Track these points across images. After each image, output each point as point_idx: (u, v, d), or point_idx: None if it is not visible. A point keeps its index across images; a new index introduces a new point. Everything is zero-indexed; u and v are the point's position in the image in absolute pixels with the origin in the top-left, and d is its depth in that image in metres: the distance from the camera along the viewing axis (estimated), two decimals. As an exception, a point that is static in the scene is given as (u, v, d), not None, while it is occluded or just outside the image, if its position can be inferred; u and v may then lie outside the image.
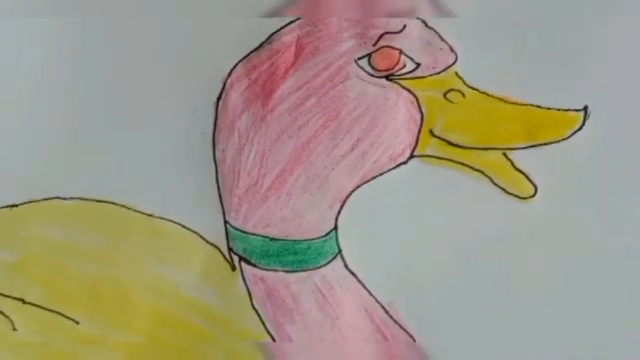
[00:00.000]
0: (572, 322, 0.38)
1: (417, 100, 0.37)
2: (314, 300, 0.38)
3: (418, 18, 0.37)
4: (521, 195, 0.37)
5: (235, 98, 0.38)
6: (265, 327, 0.38)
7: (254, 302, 0.38)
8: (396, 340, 0.38)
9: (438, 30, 0.37)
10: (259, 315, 0.38)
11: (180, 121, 0.38)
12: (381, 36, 0.36)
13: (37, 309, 0.39)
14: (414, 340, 0.38)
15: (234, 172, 0.38)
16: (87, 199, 0.39)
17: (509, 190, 0.37)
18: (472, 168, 0.37)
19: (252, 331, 0.38)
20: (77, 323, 0.39)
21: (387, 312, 0.38)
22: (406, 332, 0.38)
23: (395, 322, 0.38)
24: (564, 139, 0.37)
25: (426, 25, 0.37)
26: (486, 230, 0.38)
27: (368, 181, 0.38)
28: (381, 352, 0.38)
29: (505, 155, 0.37)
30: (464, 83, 0.37)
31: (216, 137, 0.38)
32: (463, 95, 0.37)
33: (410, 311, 0.38)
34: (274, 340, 0.38)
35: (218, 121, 0.38)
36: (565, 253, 0.38)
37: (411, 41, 0.37)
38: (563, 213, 0.37)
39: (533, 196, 0.37)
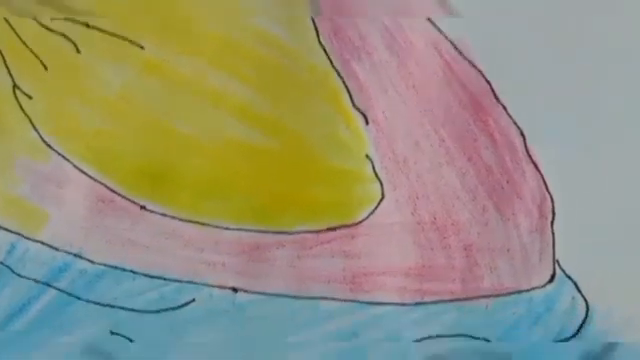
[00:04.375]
0: None
1: None
2: (381, 38, 0.38)
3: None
4: None
5: None
6: (332, 64, 0.38)
7: (321, 38, 0.38)
8: (465, 75, 0.38)
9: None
10: (325, 51, 0.38)
11: None
12: None
13: (101, 33, 0.38)
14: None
15: None
16: None
17: None
18: None
19: (319, 66, 0.38)
20: (142, 48, 0.38)
21: (457, 48, 0.39)
22: (475, 68, 0.38)
23: (464, 58, 0.38)
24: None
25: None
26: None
27: None
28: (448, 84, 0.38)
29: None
30: None
31: None
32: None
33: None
34: (340, 76, 0.38)
35: None
36: None
37: None
38: None
39: None
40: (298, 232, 0.38)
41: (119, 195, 0.38)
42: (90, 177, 0.38)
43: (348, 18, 0.38)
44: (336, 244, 0.38)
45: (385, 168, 0.38)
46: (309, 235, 0.38)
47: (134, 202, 0.38)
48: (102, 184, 0.38)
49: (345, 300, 0.38)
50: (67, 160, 0.38)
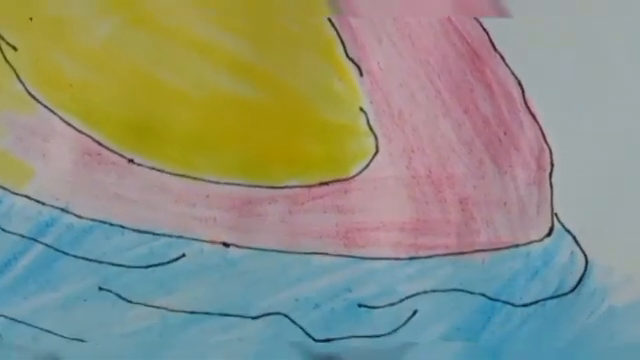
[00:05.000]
0: None
1: None
2: (376, -13, 0.37)
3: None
4: None
5: None
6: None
7: (314, -13, 0.37)
8: (462, 25, 0.37)
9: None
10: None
11: None
12: None
13: (87, -18, 0.37)
14: None
15: None
16: None
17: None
18: None
19: (312, 16, 0.37)
20: (129, -3, 0.37)
21: (453, -3, 0.37)
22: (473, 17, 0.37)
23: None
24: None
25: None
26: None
27: None
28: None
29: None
30: None
31: None
32: None
33: None
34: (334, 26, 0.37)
35: None
36: None
37: None
38: None
39: None
40: (290, 187, 0.37)
41: (106, 148, 0.37)
42: (76, 130, 0.37)
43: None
44: (329, 199, 0.37)
45: (379, 121, 0.37)
46: (301, 190, 0.37)
47: (122, 155, 0.37)
48: (89, 137, 0.37)
49: (338, 255, 0.37)
50: (53, 112, 0.37)
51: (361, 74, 0.37)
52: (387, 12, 0.37)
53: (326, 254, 0.37)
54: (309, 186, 0.37)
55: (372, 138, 0.37)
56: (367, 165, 0.37)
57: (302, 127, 0.37)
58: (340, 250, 0.37)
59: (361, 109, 0.37)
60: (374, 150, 0.37)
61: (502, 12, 0.36)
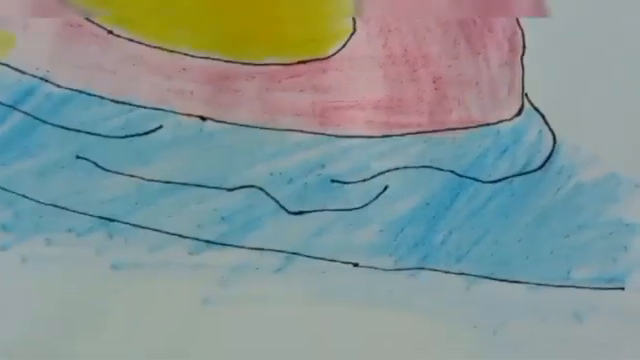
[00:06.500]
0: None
1: None
2: None
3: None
4: None
5: None
6: None
7: None
8: None
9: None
10: None
11: None
12: None
13: None
14: None
15: None
16: None
17: None
18: None
19: None
20: None
21: None
22: None
23: None
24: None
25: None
26: None
27: None
28: None
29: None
30: None
31: None
32: None
33: None
34: None
35: None
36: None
37: None
38: None
39: None
40: (268, 64, 0.38)
41: (87, 20, 0.37)
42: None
43: None
44: (306, 78, 0.38)
45: (358, 1, 0.38)
46: (279, 68, 0.38)
47: (101, 27, 0.37)
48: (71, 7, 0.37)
49: (313, 133, 0.38)
50: (34, -19, 0.37)
51: (341, -44, 0.38)
52: None
53: (301, 131, 0.38)
54: (287, 64, 0.38)
55: (350, 18, 0.38)
56: (344, 44, 0.38)
57: (282, 6, 0.38)
58: (315, 128, 0.38)
59: (340, -11, 0.38)
60: (351, 29, 0.38)
61: None
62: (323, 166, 0.37)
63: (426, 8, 0.37)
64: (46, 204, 0.37)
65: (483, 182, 0.37)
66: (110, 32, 0.37)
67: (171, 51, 0.37)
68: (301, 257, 0.37)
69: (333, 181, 0.37)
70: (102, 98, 0.37)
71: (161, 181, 0.37)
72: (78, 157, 0.37)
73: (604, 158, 0.36)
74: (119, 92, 0.37)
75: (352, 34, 0.38)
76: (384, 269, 0.37)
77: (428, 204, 0.37)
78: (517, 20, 0.37)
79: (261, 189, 0.37)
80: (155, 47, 0.37)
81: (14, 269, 0.36)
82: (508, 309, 0.36)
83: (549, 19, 0.37)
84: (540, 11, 0.37)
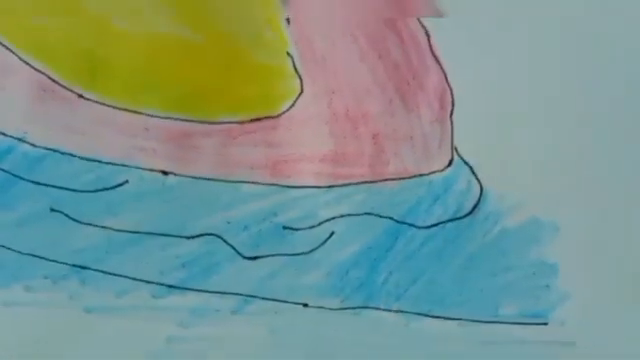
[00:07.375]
0: None
1: None
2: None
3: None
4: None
5: None
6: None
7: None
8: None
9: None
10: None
11: None
12: None
13: None
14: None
15: None
16: None
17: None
18: None
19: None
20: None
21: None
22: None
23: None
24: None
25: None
26: None
27: None
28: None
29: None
30: None
31: None
32: None
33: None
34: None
35: None
36: None
37: None
38: None
39: None
40: (224, 122, 0.42)
41: (59, 85, 0.41)
42: (33, 68, 0.41)
43: None
44: (259, 134, 0.42)
45: (304, 65, 0.42)
46: (234, 125, 0.42)
47: (72, 91, 0.41)
48: (44, 74, 0.41)
49: (266, 184, 0.42)
50: (11, 51, 0.41)
51: (289, 23, 0.41)
52: None
53: (255, 183, 0.41)
54: (241, 122, 0.42)
55: (298, 80, 0.42)
56: (293, 104, 0.42)
57: (236, 69, 0.42)
58: (268, 179, 0.42)
59: (288, 54, 0.42)
60: (299, 90, 0.42)
61: None
62: (275, 214, 0.41)
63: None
64: (24, 253, 0.41)
65: (419, 227, 0.41)
66: (80, 96, 0.41)
67: (135, 112, 0.41)
68: (256, 299, 0.41)
69: (285, 228, 0.41)
70: (73, 156, 0.41)
71: (129, 231, 0.41)
72: (52, 210, 0.41)
73: (526, 204, 0.40)
74: (89, 150, 0.41)
75: (300, 94, 0.42)
76: (331, 308, 0.41)
77: (370, 248, 0.41)
78: (446, 80, 0.41)
79: (219, 236, 0.41)
80: (120, 109, 0.41)
81: (-5, 313, 0.40)
82: (443, 344, 0.40)
83: (474, 82, 0.41)
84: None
